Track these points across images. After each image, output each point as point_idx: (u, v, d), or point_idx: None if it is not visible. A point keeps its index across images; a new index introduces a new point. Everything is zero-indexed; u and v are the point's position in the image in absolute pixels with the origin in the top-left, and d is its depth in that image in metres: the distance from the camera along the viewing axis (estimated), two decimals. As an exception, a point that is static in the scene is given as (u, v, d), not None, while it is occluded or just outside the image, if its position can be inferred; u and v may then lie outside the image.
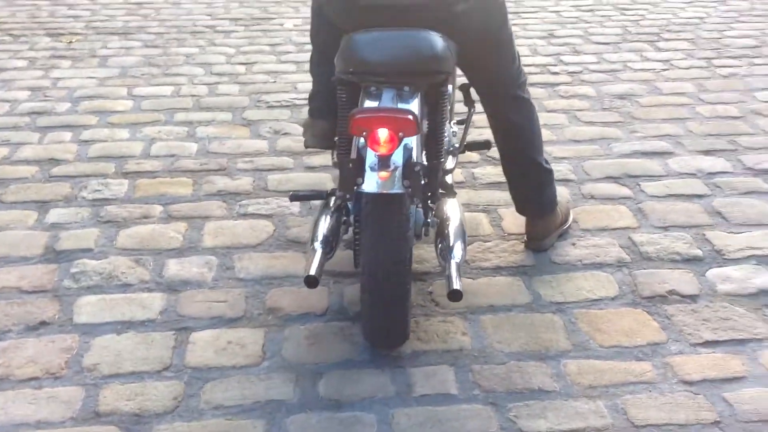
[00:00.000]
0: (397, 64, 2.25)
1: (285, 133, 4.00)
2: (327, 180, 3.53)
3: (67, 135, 3.97)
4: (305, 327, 2.62)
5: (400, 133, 2.12)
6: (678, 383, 2.38)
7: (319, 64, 2.83)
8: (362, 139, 2.18)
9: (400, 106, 2.22)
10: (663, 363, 2.46)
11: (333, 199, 2.67)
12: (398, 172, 2.16)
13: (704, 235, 3.11)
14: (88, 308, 2.69)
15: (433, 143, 2.44)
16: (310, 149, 3.51)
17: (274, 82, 4.70)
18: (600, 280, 2.84)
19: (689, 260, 2.96)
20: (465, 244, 2.48)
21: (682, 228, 3.16)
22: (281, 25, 5.84)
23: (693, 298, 2.76)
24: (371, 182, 2.17)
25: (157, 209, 3.29)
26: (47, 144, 3.88)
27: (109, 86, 4.63)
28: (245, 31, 5.71)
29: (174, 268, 2.91)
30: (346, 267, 2.85)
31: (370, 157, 2.16)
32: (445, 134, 2.52)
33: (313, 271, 2.36)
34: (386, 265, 2.24)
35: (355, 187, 2.19)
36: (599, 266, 2.92)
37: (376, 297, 2.30)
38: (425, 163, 2.36)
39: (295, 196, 2.75)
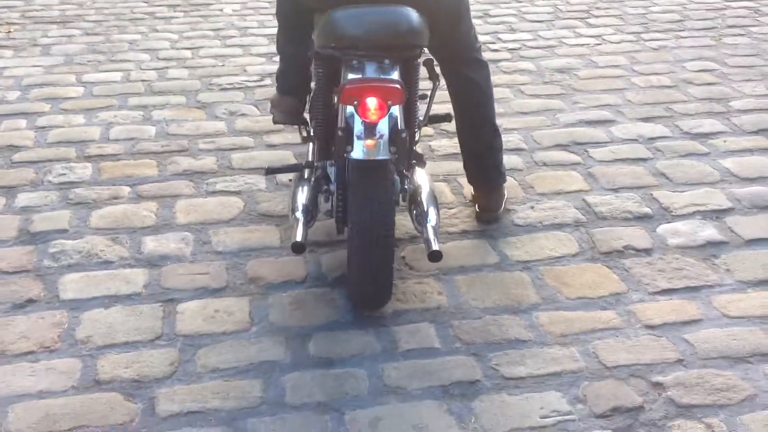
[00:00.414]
0: (377, 38, 2.36)
1: (242, 114, 4.07)
2: (289, 156, 3.63)
3: (22, 122, 3.98)
4: (287, 294, 2.73)
5: (389, 102, 2.24)
6: (641, 328, 2.57)
7: (286, 43, 2.93)
8: (350, 109, 2.29)
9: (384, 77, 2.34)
10: (626, 311, 2.65)
11: (308, 170, 2.79)
12: (384, 140, 2.28)
13: (652, 194, 3.32)
14: (73, 285, 2.75)
15: (407, 114, 2.57)
16: (274, 127, 3.63)
17: (223, 65, 4.76)
18: (560, 239, 3.02)
19: (640, 218, 3.16)
20: (438, 209, 2.62)
21: (630, 189, 3.36)
22: (221, 10, 5.88)
23: (647, 251, 2.95)
24: (359, 149, 2.29)
25: (125, 190, 3.35)
26: (3, 131, 3.88)
27: (56, 74, 4.62)
28: (185, 17, 5.73)
29: (151, 244, 2.98)
30: (320, 236, 2.97)
31: (358, 126, 2.28)
32: (417, 105, 2.66)
33: (299, 238, 2.47)
34: (374, 230, 2.36)
35: (345, 155, 2.30)
36: (558, 227, 3.10)
37: (364, 261, 2.41)
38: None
39: (271, 170, 2.85)
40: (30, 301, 2.67)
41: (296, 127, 3.17)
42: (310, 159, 3.02)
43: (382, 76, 2.34)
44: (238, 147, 3.72)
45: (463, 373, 2.39)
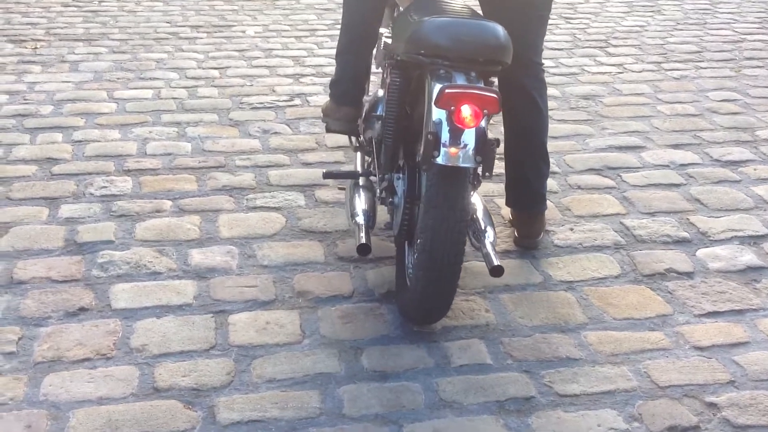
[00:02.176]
0: (467, 51, 2.39)
1: (275, 133, 4.10)
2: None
3: (58, 136, 4.00)
4: (336, 308, 2.75)
5: (485, 110, 2.27)
6: (690, 349, 2.60)
7: (347, 52, 2.97)
8: (438, 115, 2.30)
9: None
10: (673, 332, 2.68)
11: (363, 179, 2.85)
12: (471, 147, 2.30)
13: (688, 219, 3.36)
14: (124, 295, 2.76)
15: None
16: (307, 145, 3.68)
17: (251, 85, 4.80)
18: (602, 261, 3.05)
19: (679, 242, 3.19)
20: (494, 226, 2.64)
21: (666, 213, 3.40)
22: (243, 32, 5.93)
23: (689, 275, 2.99)
24: (445, 155, 2.30)
25: (167, 204, 3.37)
26: (41, 144, 3.90)
27: (87, 90, 4.65)
28: (208, 37, 5.78)
29: (197, 257, 2.99)
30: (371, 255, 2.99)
31: (446, 132, 2.30)
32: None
33: (364, 240, 2.51)
34: (450, 242, 2.37)
35: (432, 159, 2.30)
36: (599, 248, 3.13)
37: (433, 274, 2.42)
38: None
39: (329, 174, 2.89)
40: (82, 309, 2.68)
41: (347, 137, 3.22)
42: (362, 167, 3.06)
43: (468, 84, 2.36)
44: (274, 164, 3.75)
45: (517, 389, 2.41)
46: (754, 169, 3.82)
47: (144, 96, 4.58)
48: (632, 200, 3.49)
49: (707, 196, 3.55)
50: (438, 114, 2.32)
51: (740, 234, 3.26)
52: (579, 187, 3.61)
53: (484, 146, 2.29)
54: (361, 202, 2.76)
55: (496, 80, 2.79)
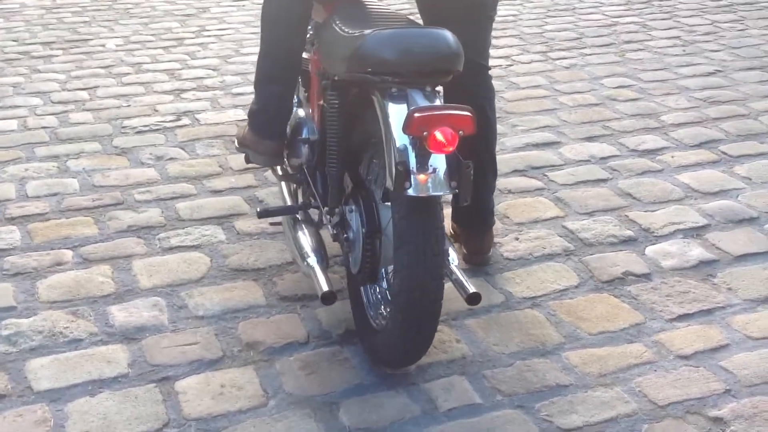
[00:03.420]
0: (420, 63, 2.14)
1: (170, 158, 3.73)
2: (239, 202, 3.33)
3: None
4: (294, 357, 2.45)
5: (460, 132, 2.03)
6: (675, 359, 2.46)
7: (270, 81, 2.66)
8: (402, 141, 2.04)
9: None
10: (652, 342, 2.54)
11: (301, 212, 2.58)
12: (443, 173, 2.05)
13: (627, 216, 3.25)
14: (44, 372, 2.36)
15: None
16: (211, 170, 3.38)
17: (129, 105, 4.38)
18: (557, 271, 2.89)
19: (626, 241, 3.08)
20: (455, 248, 2.44)
21: (604, 212, 3.28)
22: (103, 46, 5.45)
23: (647, 276, 2.87)
24: (418, 185, 2.04)
25: (68, 254, 2.96)
26: None
27: (-61, 125, 4.11)
28: (65, 54, 5.28)
29: (120, 315, 2.62)
30: (309, 290, 2.71)
31: (413, 160, 2.04)
32: None
33: (326, 287, 2.25)
34: (429, 276, 2.13)
35: (405, 191, 2.04)
36: (550, 257, 2.97)
37: (413, 317, 2.17)
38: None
39: (264, 212, 2.60)
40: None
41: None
42: (294, 200, 2.78)
43: (437, 104, 2.11)
44: (179, 195, 3.39)
45: (517, 429, 2.20)
46: (672, 157, 3.77)
47: (8, 128, 4.08)
48: (566, 201, 3.36)
49: (637, 189, 3.46)
50: (403, 140, 2.07)
51: (681, 227, 3.18)
52: (510, 191, 3.44)
53: (459, 170, 2.06)
54: (307, 240, 2.49)
55: (441, 90, 2.57)
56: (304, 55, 2.75)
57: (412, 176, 2.03)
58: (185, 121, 4.16)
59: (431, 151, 2.00)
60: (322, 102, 2.47)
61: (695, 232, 3.14)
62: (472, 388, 2.34)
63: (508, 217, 3.23)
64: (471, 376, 2.39)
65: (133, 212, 3.25)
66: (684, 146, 3.88)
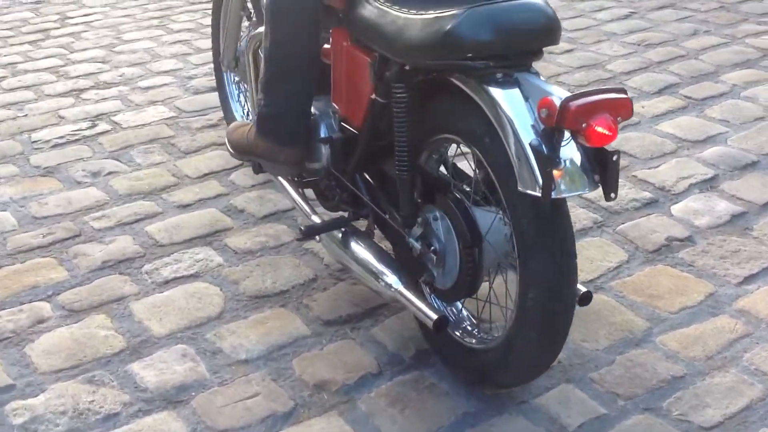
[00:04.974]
0: (527, 41, 1.83)
1: (109, 173, 3.22)
2: (218, 215, 2.90)
3: None
4: (375, 393, 2.12)
5: (618, 118, 1.73)
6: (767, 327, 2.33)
7: (286, 79, 2.26)
8: (532, 135, 1.73)
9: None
10: (736, 311, 2.39)
11: (348, 226, 2.25)
12: (582, 166, 1.76)
13: (635, 176, 3.09)
14: (93, 465, 1.92)
15: None
16: (166, 182, 3.00)
17: (25, 114, 3.78)
18: (600, 246, 2.68)
19: (648, 204, 2.91)
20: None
21: (609, 175, 3.10)
22: (-45, 48, 4.74)
23: (690, 239, 2.72)
24: (565, 185, 1.74)
25: (45, 307, 2.46)
26: None
27: None
28: None
29: (149, 374, 2.19)
30: (353, 307, 2.38)
31: (553, 156, 1.72)
32: None
33: (432, 312, 1.93)
34: (565, 290, 1.85)
35: (552, 192, 1.72)
36: (584, 232, 2.76)
37: (548, 332, 1.88)
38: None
39: (311, 230, 2.23)
40: None
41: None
42: (309, 209, 2.42)
43: (591, 89, 1.79)
44: (143, 216, 2.92)
45: (658, 435, 1.98)
46: (642, 107, 3.64)
47: None
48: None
49: (628, 145, 3.30)
50: (531, 134, 1.75)
51: (693, 180, 3.05)
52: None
53: (603, 161, 1.77)
54: (373, 256, 2.14)
55: None
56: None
57: (555, 174, 1.72)
58: (104, 126, 3.63)
59: (589, 144, 1.71)
60: (374, 96, 2.11)
61: (708, 185, 3.02)
62: (588, 396, 2.10)
63: (518, 194, 2.98)
64: (579, 383, 2.14)
65: (99, 244, 2.76)
66: (646, 94, 3.76)
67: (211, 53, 4.30)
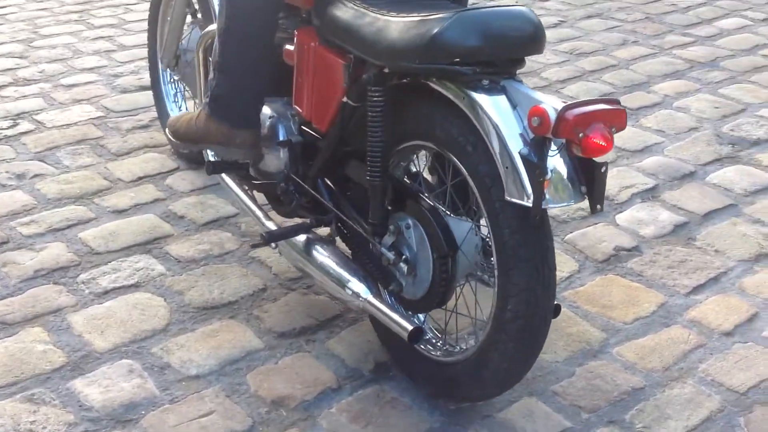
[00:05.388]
0: (514, 48, 1.78)
1: (36, 176, 3.06)
2: (157, 222, 2.78)
3: None
4: (336, 409, 2.05)
5: (613, 129, 1.69)
6: (721, 337, 2.34)
7: (236, 60, 2.15)
8: (521, 145, 1.68)
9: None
10: (688, 321, 2.40)
11: (311, 233, 2.17)
12: (569, 177, 1.72)
13: (577, 185, 3.09)
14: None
15: None
16: (97, 185, 2.81)
17: (-63, 113, 3.57)
18: (550, 256, 2.67)
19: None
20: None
21: (553, 183, 3.10)
22: None
23: (637, 249, 2.73)
24: (553, 196, 1.70)
25: (-26, 320, 2.30)
26: None
27: None
28: None
29: (93, 392, 2.06)
30: (306, 319, 2.31)
31: (543, 166, 1.68)
32: None
33: (408, 323, 1.87)
34: (546, 302, 1.81)
35: (542, 203, 1.68)
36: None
37: (526, 344, 1.84)
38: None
39: (272, 236, 2.13)
40: None
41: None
42: (263, 215, 2.33)
43: (586, 99, 1.75)
44: (76, 222, 2.77)
45: (625, 449, 1.97)
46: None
47: None
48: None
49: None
50: (519, 143, 1.70)
51: (635, 190, 3.07)
52: (447, 172, 3.16)
53: (591, 172, 1.74)
54: (346, 267, 2.06)
55: None
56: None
57: (545, 184, 1.68)
58: (26, 125, 3.45)
59: (584, 155, 1.67)
60: (345, 99, 2.03)
61: (650, 194, 3.05)
62: (552, 410, 2.07)
63: (464, 202, 2.95)
64: (542, 395, 2.11)
65: (29, 251, 2.60)
66: (582, 103, 3.78)
67: (136, 51, 4.19)
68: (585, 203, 1.79)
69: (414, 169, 2.13)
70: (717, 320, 2.40)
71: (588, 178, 1.74)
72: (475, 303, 2.04)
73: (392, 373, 2.16)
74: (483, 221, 1.91)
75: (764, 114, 3.68)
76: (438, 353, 2.05)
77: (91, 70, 4.06)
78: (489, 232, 1.84)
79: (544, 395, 2.12)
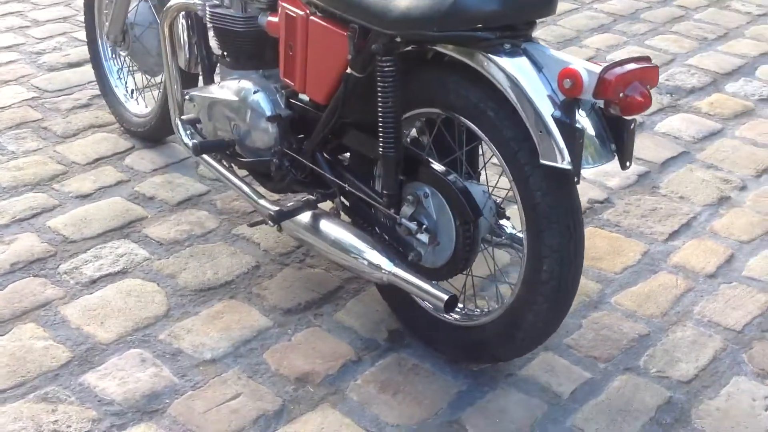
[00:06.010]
0: (533, 10, 1.77)
1: (-16, 163, 2.89)
2: (127, 204, 2.67)
3: None
4: (362, 381, 2.04)
5: (648, 86, 1.70)
6: (707, 279, 2.44)
7: None
8: (551, 107, 1.69)
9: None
10: (673, 267, 2.49)
11: (317, 209, 2.13)
12: (607, 136, 1.74)
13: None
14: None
15: None
16: (53, 170, 2.69)
17: None
18: (529, 213, 2.71)
19: (560, 168, 2.98)
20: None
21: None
22: None
23: (608, 201, 2.81)
24: (590, 154, 1.71)
25: (-42, 320, 2.17)
26: None
27: None
28: None
29: (110, 385, 1.98)
30: (308, 293, 2.28)
31: (579, 127, 1.68)
32: None
33: (443, 294, 1.86)
34: (578, 261, 1.84)
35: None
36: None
37: (561, 303, 1.87)
38: None
39: (281, 215, 2.08)
40: None
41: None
42: (252, 192, 2.27)
43: (624, 58, 1.76)
44: (41, 210, 2.64)
45: (648, 395, 2.03)
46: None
47: None
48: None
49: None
50: (550, 106, 1.71)
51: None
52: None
53: (621, 129, 1.77)
54: (363, 241, 2.03)
55: None
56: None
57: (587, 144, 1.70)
58: (-38, 112, 3.24)
59: (623, 114, 1.69)
60: (349, 71, 1.98)
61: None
62: (569, 362, 2.12)
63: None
64: (557, 350, 2.16)
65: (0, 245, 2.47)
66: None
67: (51, 26, 3.99)
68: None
69: (421, 138, 2.11)
70: (699, 264, 2.51)
71: (617, 136, 1.77)
72: (494, 266, 2.05)
73: (407, 341, 2.16)
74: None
75: (692, 63, 3.82)
76: (457, 317, 2.06)
77: (8, 48, 3.83)
78: (516, 196, 1.85)
79: (559, 349, 2.17)
